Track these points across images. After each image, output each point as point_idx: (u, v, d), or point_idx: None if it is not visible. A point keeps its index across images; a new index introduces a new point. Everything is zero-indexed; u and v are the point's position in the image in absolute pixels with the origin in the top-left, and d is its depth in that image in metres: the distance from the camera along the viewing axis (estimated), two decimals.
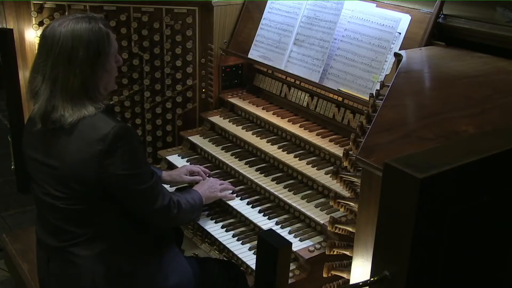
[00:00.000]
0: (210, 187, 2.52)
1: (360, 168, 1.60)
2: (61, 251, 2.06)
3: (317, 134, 2.76)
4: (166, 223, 2.24)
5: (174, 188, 2.72)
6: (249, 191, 2.67)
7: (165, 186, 2.55)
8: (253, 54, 3.11)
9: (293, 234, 2.35)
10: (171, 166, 2.96)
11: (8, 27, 3.11)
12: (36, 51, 2.03)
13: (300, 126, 2.85)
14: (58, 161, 1.97)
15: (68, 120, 1.92)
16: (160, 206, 2.09)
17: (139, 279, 2.10)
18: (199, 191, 2.44)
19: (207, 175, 2.74)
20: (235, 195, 2.61)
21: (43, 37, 1.97)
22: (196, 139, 3.06)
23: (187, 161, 2.94)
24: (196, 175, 2.69)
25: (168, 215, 2.15)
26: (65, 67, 1.91)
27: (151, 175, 2.05)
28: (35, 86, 1.96)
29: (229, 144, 2.97)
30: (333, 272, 1.78)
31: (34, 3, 3.13)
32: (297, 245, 2.27)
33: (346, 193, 1.97)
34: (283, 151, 2.74)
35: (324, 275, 1.78)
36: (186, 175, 2.68)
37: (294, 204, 2.45)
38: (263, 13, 3.12)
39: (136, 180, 1.99)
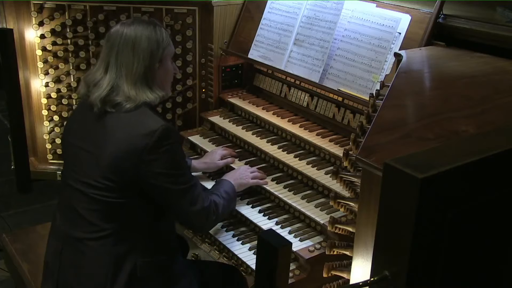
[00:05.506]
0: (241, 174, 2.53)
1: (360, 168, 1.60)
2: (78, 243, 2.03)
3: (317, 134, 2.76)
4: (204, 225, 2.24)
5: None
6: (249, 191, 2.66)
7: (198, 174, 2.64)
8: (253, 54, 3.11)
9: (293, 234, 2.35)
10: None
11: (8, 27, 3.11)
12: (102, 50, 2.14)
13: (300, 126, 2.85)
14: (100, 149, 1.99)
15: (131, 104, 2.00)
16: (201, 207, 2.11)
17: (150, 285, 2.08)
18: (230, 180, 2.45)
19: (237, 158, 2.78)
20: (267, 180, 2.60)
21: (108, 36, 2.10)
22: (196, 139, 3.06)
23: None
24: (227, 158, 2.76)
25: (207, 218, 2.17)
26: (129, 53, 2.03)
27: (190, 177, 2.09)
28: (96, 77, 2.05)
29: (229, 144, 2.97)
30: (333, 272, 1.78)
31: (34, 3, 3.13)
32: (297, 245, 2.27)
33: (346, 193, 1.97)
34: (283, 151, 2.74)
35: (324, 275, 1.78)
36: (219, 160, 2.73)
37: (294, 204, 2.45)
38: (263, 13, 3.11)
39: (174, 180, 2.01)
